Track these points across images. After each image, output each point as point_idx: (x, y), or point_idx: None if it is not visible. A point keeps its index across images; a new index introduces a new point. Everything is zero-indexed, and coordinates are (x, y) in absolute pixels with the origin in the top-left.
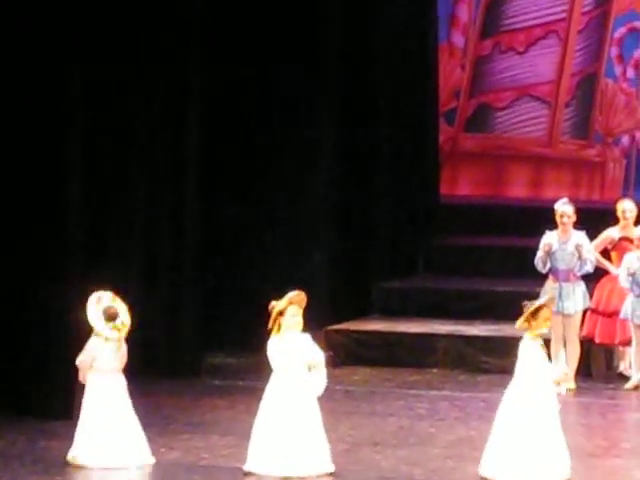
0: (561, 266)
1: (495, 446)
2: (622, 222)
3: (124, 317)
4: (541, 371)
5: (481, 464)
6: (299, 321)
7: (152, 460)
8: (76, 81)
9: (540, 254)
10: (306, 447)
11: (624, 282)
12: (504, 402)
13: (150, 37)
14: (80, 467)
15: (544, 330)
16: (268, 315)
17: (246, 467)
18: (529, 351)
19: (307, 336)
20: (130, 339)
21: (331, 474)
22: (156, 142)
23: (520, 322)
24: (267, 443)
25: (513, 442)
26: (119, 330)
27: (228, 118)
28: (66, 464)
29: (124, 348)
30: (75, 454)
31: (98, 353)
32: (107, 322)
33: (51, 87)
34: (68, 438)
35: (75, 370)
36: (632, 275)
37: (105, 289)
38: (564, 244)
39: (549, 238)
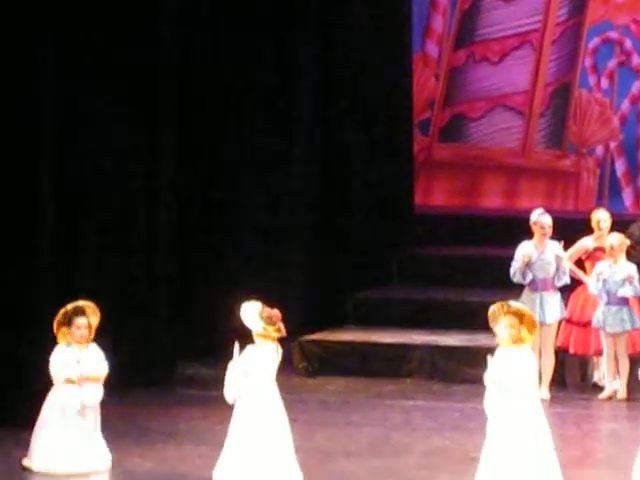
0: (540, 275)
1: (489, 461)
2: (597, 232)
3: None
4: (531, 382)
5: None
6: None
7: (108, 465)
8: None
9: (518, 265)
10: (275, 458)
11: (593, 289)
12: (495, 415)
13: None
14: (38, 474)
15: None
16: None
17: (214, 476)
18: (523, 361)
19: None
20: (103, 348)
21: None
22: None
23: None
24: (237, 454)
25: (508, 456)
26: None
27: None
28: (40, 476)
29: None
30: (32, 460)
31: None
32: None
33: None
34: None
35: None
36: (603, 282)
37: (78, 298)
38: (542, 254)
39: (526, 249)
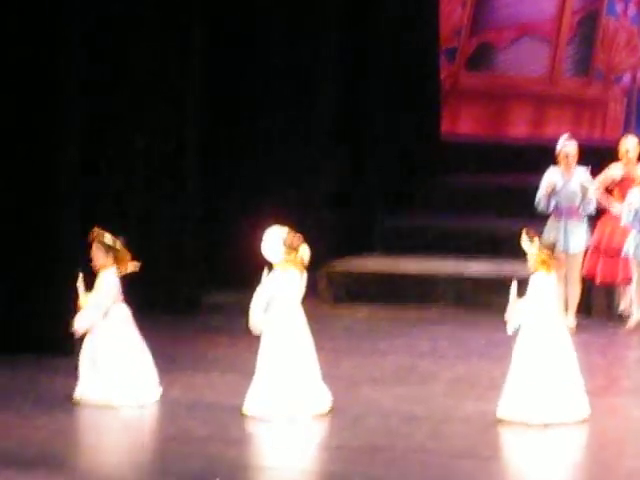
0: (565, 203)
1: (513, 386)
2: (624, 160)
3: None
4: (554, 307)
5: (499, 405)
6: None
7: (159, 393)
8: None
9: (543, 192)
10: (304, 387)
11: (626, 219)
12: (520, 341)
13: None
14: (85, 404)
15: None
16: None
17: (245, 410)
18: (544, 287)
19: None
20: (130, 277)
21: (330, 410)
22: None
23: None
24: (266, 386)
25: (532, 381)
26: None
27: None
28: (69, 400)
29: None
30: (82, 392)
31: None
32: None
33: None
34: (70, 374)
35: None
36: (635, 212)
37: (103, 227)
38: (568, 182)
39: (552, 175)
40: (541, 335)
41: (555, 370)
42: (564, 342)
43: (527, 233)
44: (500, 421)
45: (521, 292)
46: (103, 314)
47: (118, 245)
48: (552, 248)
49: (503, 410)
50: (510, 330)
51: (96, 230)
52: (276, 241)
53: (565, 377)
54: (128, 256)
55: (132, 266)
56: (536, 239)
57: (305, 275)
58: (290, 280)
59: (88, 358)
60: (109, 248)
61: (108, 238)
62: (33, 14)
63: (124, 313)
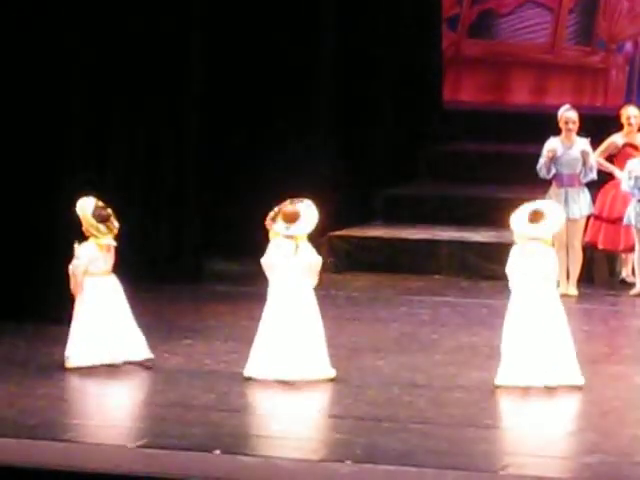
0: (566, 171)
1: (508, 353)
2: (626, 128)
3: (113, 219)
4: (550, 275)
5: (497, 374)
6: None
7: (150, 355)
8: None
9: (544, 160)
10: (306, 352)
11: (626, 186)
12: (512, 308)
13: None
14: (77, 369)
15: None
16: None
17: (246, 372)
18: (544, 255)
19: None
20: (131, 245)
21: (332, 379)
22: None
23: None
24: (267, 349)
25: (526, 348)
26: (111, 231)
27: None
28: (70, 369)
29: (113, 250)
30: (70, 356)
31: (92, 257)
32: (100, 223)
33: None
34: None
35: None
36: (634, 179)
37: (100, 197)
38: (569, 149)
39: (553, 144)
40: (532, 301)
41: (548, 335)
42: (555, 308)
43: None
44: (499, 388)
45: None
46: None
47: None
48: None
49: (501, 377)
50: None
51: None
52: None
53: (558, 342)
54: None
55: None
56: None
57: (299, 248)
58: (280, 250)
59: (80, 325)
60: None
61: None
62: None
63: (110, 284)
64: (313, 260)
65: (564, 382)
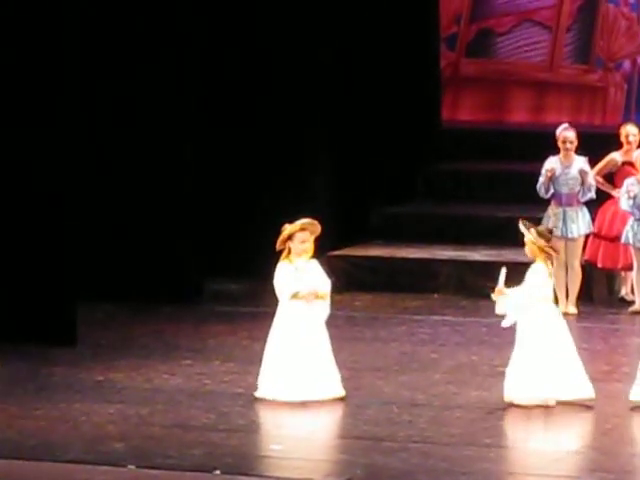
0: (564, 190)
1: (518, 370)
2: (625, 146)
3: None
4: (550, 294)
5: (505, 389)
6: (308, 248)
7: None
8: None
9: (542, 179)
10: (317, 372)
11: (625, 205)
12: (521, 328)
13: None
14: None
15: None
16: (278, 238)
17: (258, 394)
18: (541, 275)
19: (315, 263)
20: (132, 265)
21: (341, 398)
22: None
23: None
24: (278, 370)
25: (536, 365)
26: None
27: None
28: (69, 390)
29: None
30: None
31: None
32: None
33: None
34: (70, 364)
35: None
36: (633, 199)
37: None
38: (567, 168)
39: (551, 163)
40: (541, 321)
41: (556, 353)
42: (562, 327)
43: (523, 222)
44: (507, 404)
45: (514, 278)
46: None
47: None
48: (549, 234)
49: (509, 393)
50: (500, 311)
51: None
52: None
53: (567, 359)
54: None
55: None
56: (532, 229)
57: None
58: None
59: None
60: None
61: None
62: None
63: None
64: (322, 284)
65: (577, 396)
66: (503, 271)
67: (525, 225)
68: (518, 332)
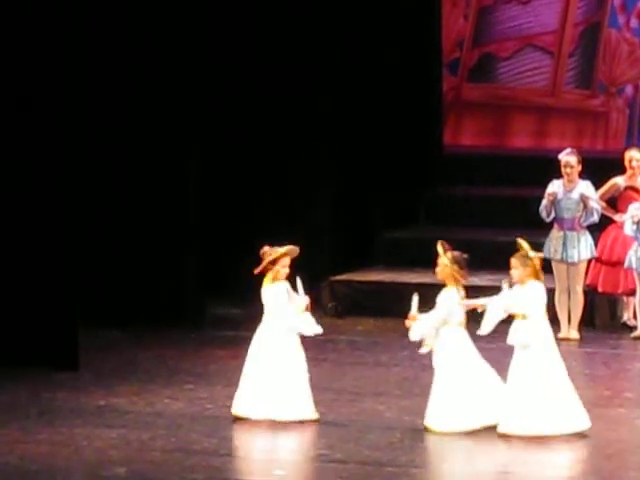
0: (566, 215)
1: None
2: (629, 171)
3: None
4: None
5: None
6: (286, 272)
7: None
8: None
9: (545, 202)
10: (291, 393)
11: (629, 231)
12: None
13: None
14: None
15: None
16: (259, 259)
17: (233, 410)
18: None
19: (298, 281)
20: (134, 290)
21: (315, 421)
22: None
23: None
24: (253, 388)
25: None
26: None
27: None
28: (71, 415)
29: None
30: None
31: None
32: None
33: None
34: (72, 389)
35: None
36: (637, 224)
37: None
38: (569, 193)
39: (554, 187)
40: (453, 346)
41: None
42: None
43: (442, 243)
44: (502, 436)
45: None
46: None
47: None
48: (464, 261)
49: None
50: (415, 337)
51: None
52: None
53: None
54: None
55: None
56: (449, 252)
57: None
58: (275, 291)
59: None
60: None
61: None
62: None
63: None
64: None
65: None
66: (415, 297)
67: (443, 247)
68: (433, 357)
